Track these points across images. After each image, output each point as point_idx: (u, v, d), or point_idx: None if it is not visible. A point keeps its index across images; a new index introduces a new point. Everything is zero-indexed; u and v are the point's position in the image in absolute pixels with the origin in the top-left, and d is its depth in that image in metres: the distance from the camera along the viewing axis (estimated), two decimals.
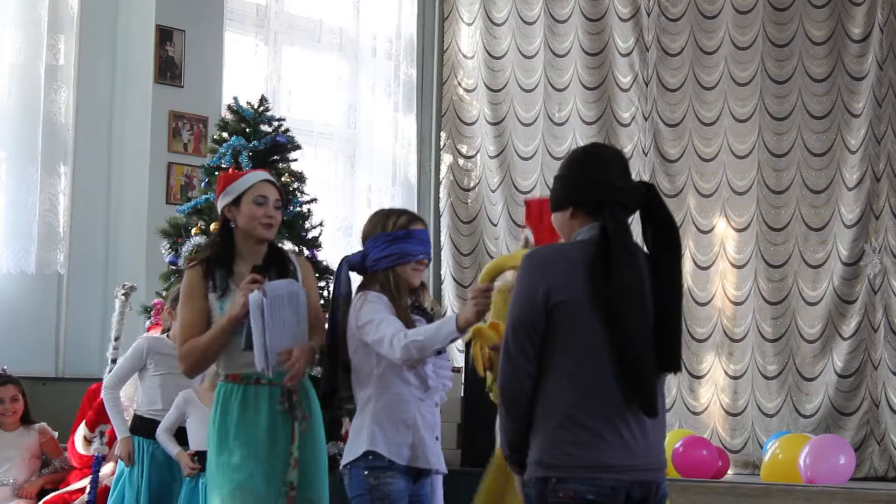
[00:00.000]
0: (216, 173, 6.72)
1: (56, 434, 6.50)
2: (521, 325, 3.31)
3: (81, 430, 6.15)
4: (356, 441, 4.05)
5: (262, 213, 4.28)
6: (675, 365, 3.39)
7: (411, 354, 3.88)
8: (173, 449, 5.09)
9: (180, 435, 5.22)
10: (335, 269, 4.22)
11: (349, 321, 4.07)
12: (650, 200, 3.42)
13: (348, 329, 4.07)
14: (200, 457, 5.00)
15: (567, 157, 3.53)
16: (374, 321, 3.97)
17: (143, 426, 5.31)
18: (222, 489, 4.17)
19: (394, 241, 4.08)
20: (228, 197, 4.30)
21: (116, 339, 5.77)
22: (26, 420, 6.40)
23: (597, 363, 3.29)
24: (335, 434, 6.24)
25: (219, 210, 4.36)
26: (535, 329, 3.30)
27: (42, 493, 6.21)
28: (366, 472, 4.00)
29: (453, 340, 3.91)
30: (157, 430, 5.13)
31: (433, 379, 4.12)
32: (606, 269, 3.28)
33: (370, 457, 4.00)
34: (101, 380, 6.19)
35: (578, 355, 3.29)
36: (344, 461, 4.09)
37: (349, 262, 4.15)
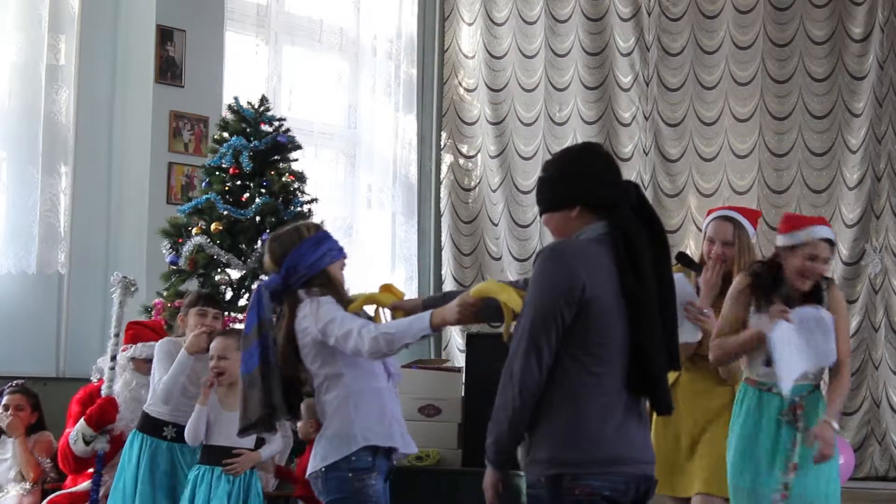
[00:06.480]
0: (216, 173, 6.75)
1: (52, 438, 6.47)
2: (552, 317, 3.26)
3: (78, 428, 5.96)
4: (339, 441, 4.00)
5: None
6: (676, 363, 3.44)
7: (380, 347, 3.88)
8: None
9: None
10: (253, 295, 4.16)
11: (304, 328, 4.03)
12: (638, 200, 3.44)
13: (302, 338, 4.04)
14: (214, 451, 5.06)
15: (562, 157, 3.52)
16: (337, 318, 3.97)
17: (149, 424, 5.32)
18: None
19: (319, 242, 4.13)
20: (787, 241, 4.62)
21: (116, 335, 5.74)
22: (34, 430, 6.39)
23: (614, 360, 3.30)
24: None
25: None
26: (564, 322, 3.26)
27: (44, 492, 6.19)
28: (350, 475, 3.98)
29: (423, 337, 3.90)
30: (185, 432, 5.13)
31: (394, 366, 4.18)
32: (636, 268, 3.30)
33: (353, 458, 3.98)
34: (91, 381, 6.20)
35: (599, 352, 3.29)
36: (325, 462, 4.02)
37: (269, 288, 4.10)
